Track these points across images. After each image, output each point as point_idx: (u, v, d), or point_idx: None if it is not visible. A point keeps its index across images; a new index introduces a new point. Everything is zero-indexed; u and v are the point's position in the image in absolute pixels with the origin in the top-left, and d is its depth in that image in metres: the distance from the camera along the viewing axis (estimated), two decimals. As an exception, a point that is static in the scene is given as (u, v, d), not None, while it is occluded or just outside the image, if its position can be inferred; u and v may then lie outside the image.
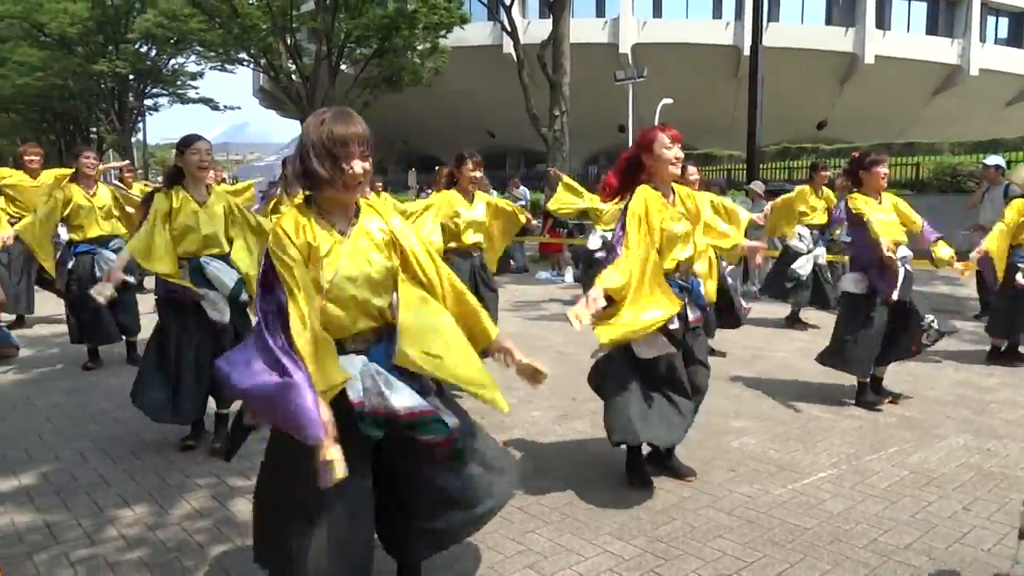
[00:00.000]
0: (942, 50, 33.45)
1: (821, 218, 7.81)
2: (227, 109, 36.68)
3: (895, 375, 5.46)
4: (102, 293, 4.17)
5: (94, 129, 34.19)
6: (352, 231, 2.30)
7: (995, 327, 6.31)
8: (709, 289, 3.84)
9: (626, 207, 3.48)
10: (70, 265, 6.13)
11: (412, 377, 2.31)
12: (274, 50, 21.01)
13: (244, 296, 4.24)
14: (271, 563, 2.35)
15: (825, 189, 7.95)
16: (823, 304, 7.78)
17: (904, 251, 4.89)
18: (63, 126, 35.63)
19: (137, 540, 3.22)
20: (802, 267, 7.61)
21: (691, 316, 3.61)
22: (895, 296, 4.79)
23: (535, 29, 24.11)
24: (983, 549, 3.08)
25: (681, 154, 3.52)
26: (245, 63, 23.57)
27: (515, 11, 18.75)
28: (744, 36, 28.31)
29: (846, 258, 6.93)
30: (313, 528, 2.20)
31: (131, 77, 29.60)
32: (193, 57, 27.38)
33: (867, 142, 25.04)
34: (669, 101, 26.28)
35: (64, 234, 6.27)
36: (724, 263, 5.90)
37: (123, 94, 30.67)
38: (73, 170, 6.17)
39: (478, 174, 5.39)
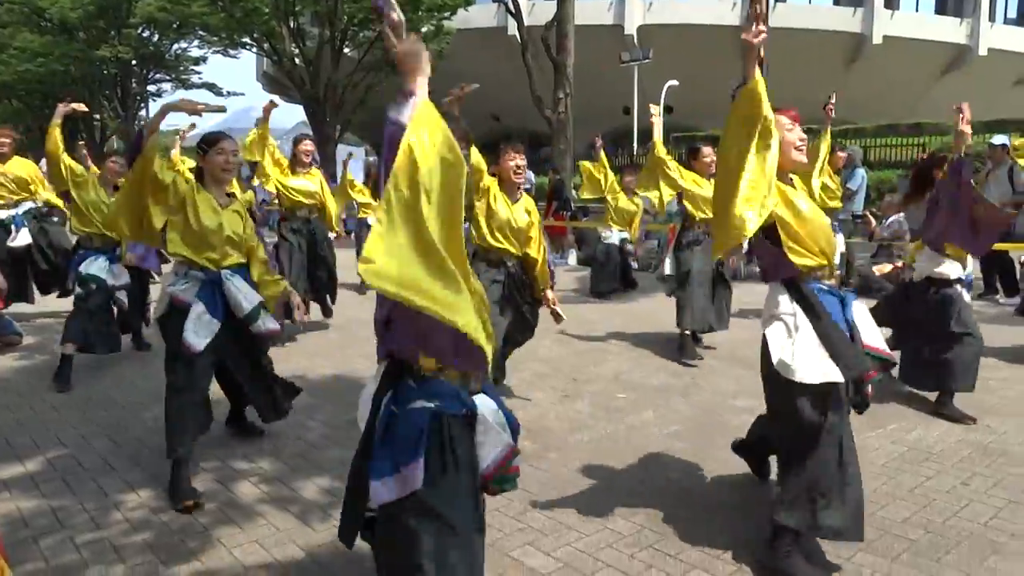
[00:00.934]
0: (951, 30, 33.12)
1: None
2: (231, 95, 36.61)
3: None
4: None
5: (97, 116, 34.14)
6: None
7: None
8: None
9: None
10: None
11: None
12: (277, 34, 20.94)
13: (260, 324, 3.72)
14: None
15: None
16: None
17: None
18: (66, 112, 35.64)
19: (142, 523, 3.25)
20: None
21: None
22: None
23: (540, 10, 23.90)
24: (980, 523, 3.10)
25: (805, 136, 3.04)
26: (248, 47, 23.47)
27: (519, -8, 18.58)
28: (750, 16, 28.01)
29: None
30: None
31: (133, 62, 29.49)
32: (196, 42, 27.21)
33: (874, 123, 24.90)
34: (675, 83, 26.14)
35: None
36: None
37: (125, 80, 30.58)
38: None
39: (521, 162, 4.54)
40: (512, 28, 19.27)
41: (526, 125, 29.42)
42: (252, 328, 3.71)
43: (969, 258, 4.68)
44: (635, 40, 30.40)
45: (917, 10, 33.64)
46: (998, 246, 8.02)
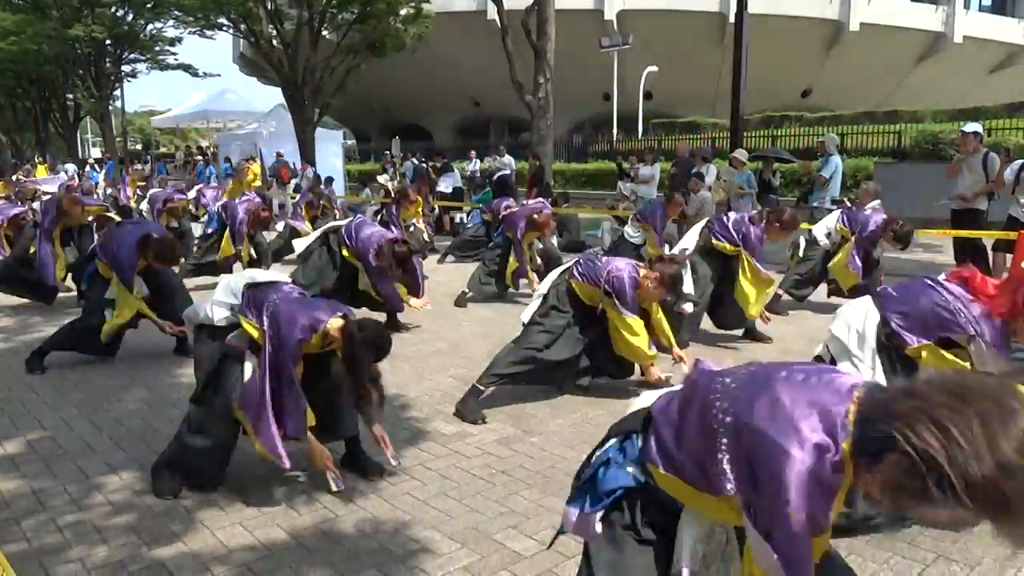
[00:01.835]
0: (927, 17, 33.42)
1: None
2: (207, 76, 36.00)
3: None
4: None
5: (71, 96, 33.51)
6: None
7: None
8: None
9: None
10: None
11: None
12: (254, 15, 20.62)
13: None
14: None
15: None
16: None
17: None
18: (39, 92, 34.86)
19: (124, 505, 3.26)
20: None
21: None
22: None
23: (520, -6, 23.81)
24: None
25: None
26: (224, 28, 23.10)
27: (499, -24, 18.45)
28: (730, 2, 28.06)
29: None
30: None
31: (108, 42, 28.94)
32: (171, 22, 26.72)
33: (851, 110, 25.10)
34: (654, 69, 26.18)
35: None
36: None
37: (100, 60, 29.99)
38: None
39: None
40: (492, 12, 19.11)
41: (506, 110, 29.34)
42: None
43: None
44: (615, 25, 30.37)
45: (894, -3, 33.90)
46: (971, 233, 8.19)
